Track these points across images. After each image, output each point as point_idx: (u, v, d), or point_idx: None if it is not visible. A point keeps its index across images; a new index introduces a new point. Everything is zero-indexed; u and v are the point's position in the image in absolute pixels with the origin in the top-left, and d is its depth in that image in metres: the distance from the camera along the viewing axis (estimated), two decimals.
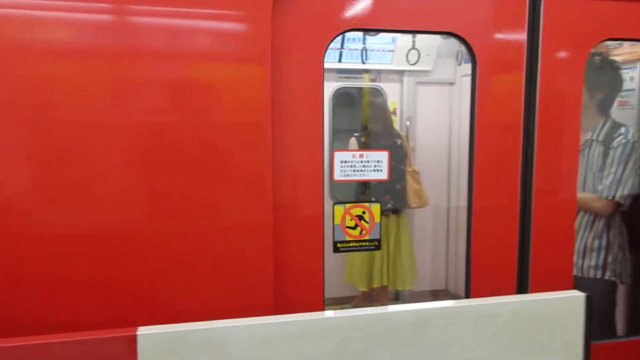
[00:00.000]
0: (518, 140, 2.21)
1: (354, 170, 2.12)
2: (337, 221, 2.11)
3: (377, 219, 2.14)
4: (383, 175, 2.15)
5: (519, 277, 2.22)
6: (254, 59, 1.84)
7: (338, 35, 2.01)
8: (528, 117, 2.21)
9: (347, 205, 2.12)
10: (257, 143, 1.86)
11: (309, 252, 1.99)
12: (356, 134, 5.29)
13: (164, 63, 1.75)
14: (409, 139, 5.54)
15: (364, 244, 2.13)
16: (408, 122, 5.80)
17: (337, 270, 5.30)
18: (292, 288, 1.97)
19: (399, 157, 5.13)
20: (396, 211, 5.19)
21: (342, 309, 1.95)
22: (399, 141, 5.18)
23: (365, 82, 5.79)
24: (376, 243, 2.14)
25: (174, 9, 1.75)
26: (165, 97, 1.77)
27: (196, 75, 1.82)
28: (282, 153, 1.93)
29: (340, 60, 5.61)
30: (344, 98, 5.78)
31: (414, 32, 2.29)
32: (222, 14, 1.82)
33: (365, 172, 2.13)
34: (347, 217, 2.12)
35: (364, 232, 2.13)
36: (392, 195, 5.13)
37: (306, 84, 1.95)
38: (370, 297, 5.33)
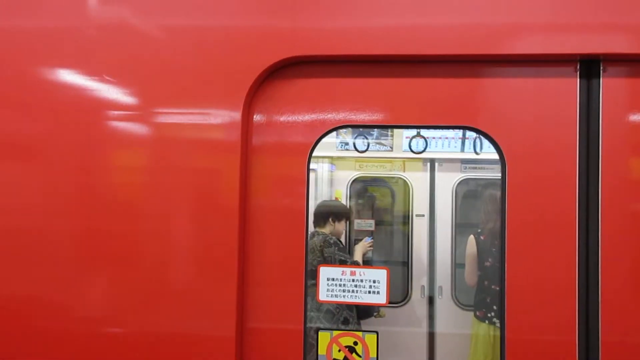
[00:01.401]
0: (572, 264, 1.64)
1: (344, 291, 1.77)
2: (322, 351, 1.76)
3: (373, 353, 1.73)
4: (381, 298, 1.75)
5: None
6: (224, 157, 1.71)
7: (326, 134, 1.79)
8: (586, 233, 1.64)
9: (335, 333, 1.76)
10: (223, 246, 1.69)
11: None
12: (479, 231, 4.71)
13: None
14: None
15: None
16: None
17: None
18: None
19: None
20: None
21: None
22: None
23: (491, 172, 5.21)
24: None
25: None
26: None
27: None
28: (251, 265, 1.72)
29: (462, 150, 5.16)
30: (467, 190, 5.26)
31: (420, 127, 1.93)
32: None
33: (358, 294, 1.77)
34: (335, 348, 1.76)
35: None
36: None
37: (286, 187, 1.74)
38: None
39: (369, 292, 1.77)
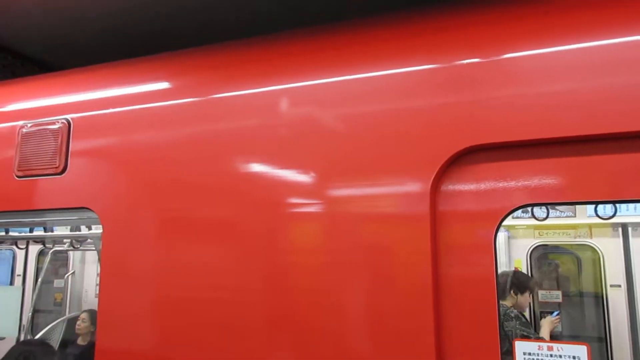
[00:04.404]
0: None
1: None
2: None
3: None
4: None
5: None
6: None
7: (510, 213, 1.90)
8: None
9: None
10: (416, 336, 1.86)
11: None
12: None
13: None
14: None
15: None
16: None
17: None
18: None
19: None
20: None
21: None
22: None
23: None
24: None
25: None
26: None
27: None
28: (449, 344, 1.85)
29: None
30: None
31: (607, 202, 1.91)
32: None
33: None
34: None
35: None
36: None
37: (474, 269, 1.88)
38: None
39: None
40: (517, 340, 1.85)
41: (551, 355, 1.80)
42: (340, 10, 2.36)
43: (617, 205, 4.43)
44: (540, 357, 1.81)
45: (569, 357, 1.77)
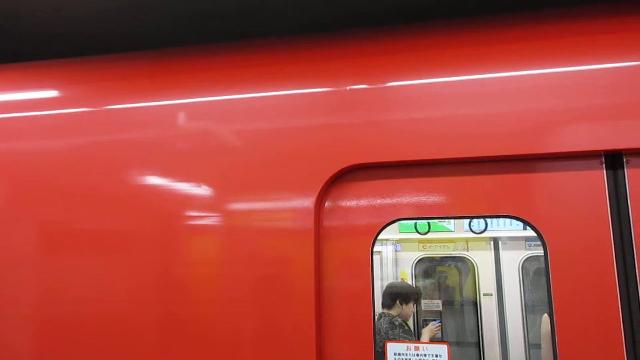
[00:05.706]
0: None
1: None
2: None
3: None
4: None
5: None
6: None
7: (386, 227, 2.08)
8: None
9: None
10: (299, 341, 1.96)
11: None
12: None
13: None
14: None
15: None
16: None
17: None
18: None
19: None
20: None
21: None
22: None
23: None
24: None
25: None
26: None
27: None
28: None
29: (525, 227, 5.25)
30: (537, 268, 5.27)
31: (470, 217, 2.18)
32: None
33: None
34: None
35: None
36: None
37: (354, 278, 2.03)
38: None
39: None
40: (388, 342, 2.03)
41: (417, 355, 1.99)
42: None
43: (488, 220, 4.93)
44: (408, 357, 2.00)
45: (433, 355, 1.98)
